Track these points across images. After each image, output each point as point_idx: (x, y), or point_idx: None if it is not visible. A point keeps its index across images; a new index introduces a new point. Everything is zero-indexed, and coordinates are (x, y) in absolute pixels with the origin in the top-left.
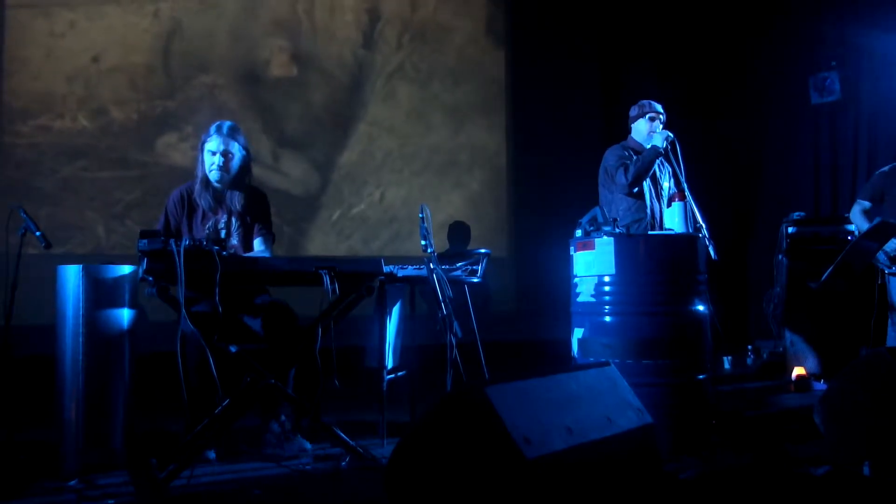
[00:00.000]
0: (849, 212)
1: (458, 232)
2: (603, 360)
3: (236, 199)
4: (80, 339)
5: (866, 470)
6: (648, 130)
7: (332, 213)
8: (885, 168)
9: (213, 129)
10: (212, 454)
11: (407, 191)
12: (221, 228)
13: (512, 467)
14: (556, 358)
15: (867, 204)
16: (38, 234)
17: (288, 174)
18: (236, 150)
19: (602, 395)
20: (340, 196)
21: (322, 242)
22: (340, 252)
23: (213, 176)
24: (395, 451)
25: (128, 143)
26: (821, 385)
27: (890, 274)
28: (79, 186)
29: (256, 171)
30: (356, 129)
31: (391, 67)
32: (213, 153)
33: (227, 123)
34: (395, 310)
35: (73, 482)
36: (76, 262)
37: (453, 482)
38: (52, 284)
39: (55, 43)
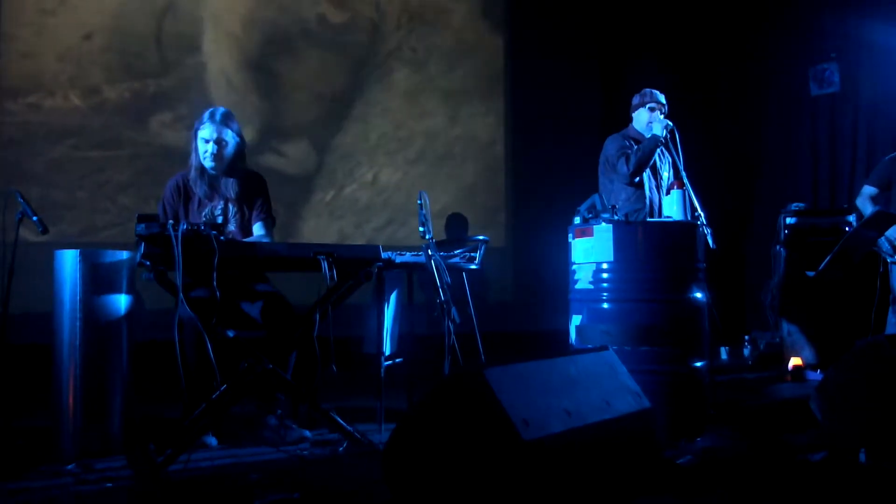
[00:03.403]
0: (848, 202)
1: (455, 223)
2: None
3: (231, 186)
4: (78, 324)
5: (862, 457)
6: (648, 120)
7: (325, 195)
8: (893, 154)
9: (205, 116)
10: (213, 440)
11: (401, 175)
12: (218, 215)
13: (510, 449)
14: (555, 347)
15: (874, 190)
16: (34, 218)
17: (281, 154)
18: (230, 137)
19: (600, 379)
20: (333, 177)
21: (314, 224)
22: (332, 234)
23: (208, 164)
24: (394, 433)
25: (120, 123)
26: (817, 375)
27: (893, 262)
28: (70, 166)
29: (250, 151)
30: (351, 109)
31: (388, 48)
32: (207, 141)
33: (220, 110)
34: (393, 297)
35: (70, 466)
36: (71, 246)
37: (451, 464)
38: (47, 272)
39: (46, 20)
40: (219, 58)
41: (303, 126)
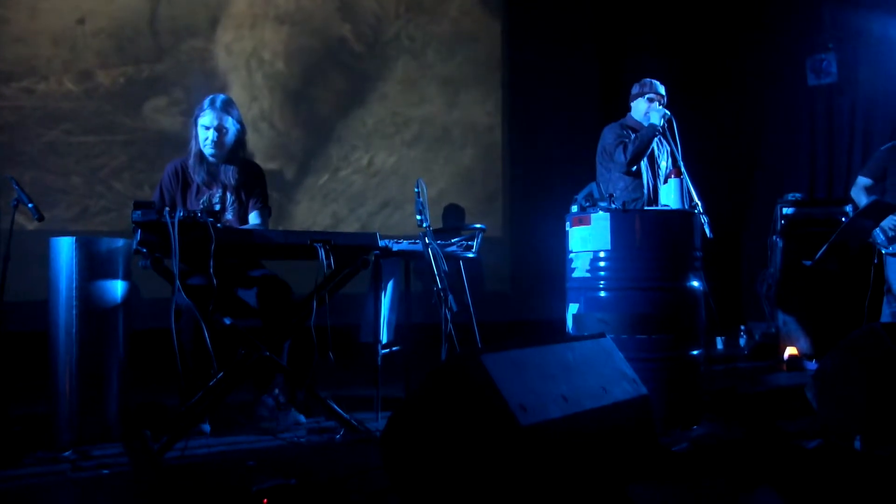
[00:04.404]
0: (844, 193)
1: (452, 212)
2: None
3: (231, 174)
4: (74, 312)
5: (857, 444)
6: (646, 110)
7: (319, 178)
8: (888, 144)
9: (206, 103)
10: (207, 427)
11: (397, 160)
12: (216, 203)
13: (507, 434)
14: (552, 336)
15: (868, 181)
16: (30, 205)
17: (273, 138)
18: (230, 124)
19: (597, 365)
20: (328, 160)
21: (307, 207)
22: (325, 217)
23: (208, 150)
24: (392, 419)
25: (114, 108)
26: (812, 365)
27: (888, 254)
28: (64, 151)
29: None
30: (347, 96)
31: (387, 37)
32: (207, 128)
33: (221, 97)
34: (390, 285)
35: (67, 453)
36: (65, 232)
37: (449, 449)
38: (43, 259)
39: (40, 4)
40: (213, 43)
41: (298, 110)
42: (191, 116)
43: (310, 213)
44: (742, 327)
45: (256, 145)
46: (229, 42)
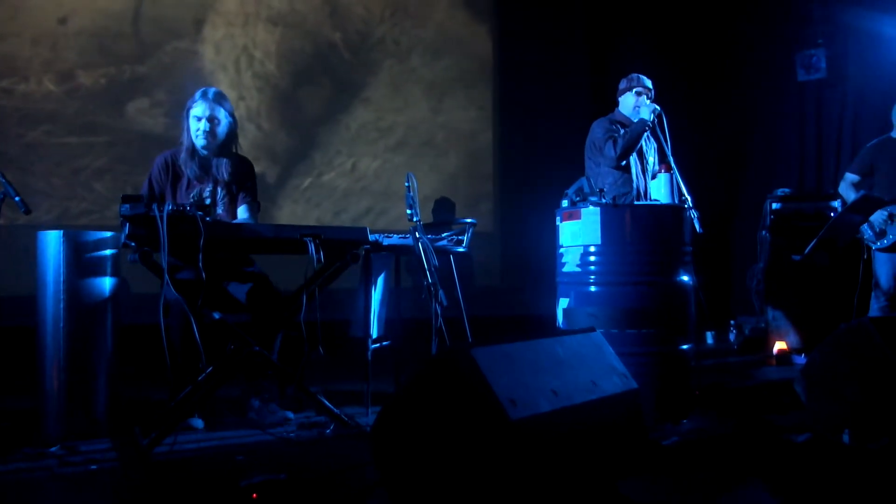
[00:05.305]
0: (833, 188)
1: (443, 207)
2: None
3: (223, 167)
4: (62, 306)
5: (846, 438)
6: (635, 105)
7: (303, 181)
8: (875, 140)
9: (198, 94)
10: (199, 423)
11: (381, 164)
12: (206, 197)
13: (497, 428)
14: (542, 331)
15: (856, 177)
16: (17, 199)
17: (259, 139)
18: (223, 115)
19: (587, 359)
20: (311, 164)
21: (290, 210)
22: (309, 221)
23: (200, 142)
24: (382, 413)
25: (96, 108)
26: (801, 359)
27: (876, 249)
28: (44, 152)
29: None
30: (332, 99)
31: (372, 42)
32: (199, 118)
33: (213, 89)
34: (380, 280)
35: (54, 449)
36: (51, 230)
37: (439, 443)
38: (28, 254)
39: (20, 3)
40: (197, 44)
41: (285, 112)
42: (175, 118)
43: (293, 217)
44: (732, 322)
45: (241, 145)
46: (219, 40)
